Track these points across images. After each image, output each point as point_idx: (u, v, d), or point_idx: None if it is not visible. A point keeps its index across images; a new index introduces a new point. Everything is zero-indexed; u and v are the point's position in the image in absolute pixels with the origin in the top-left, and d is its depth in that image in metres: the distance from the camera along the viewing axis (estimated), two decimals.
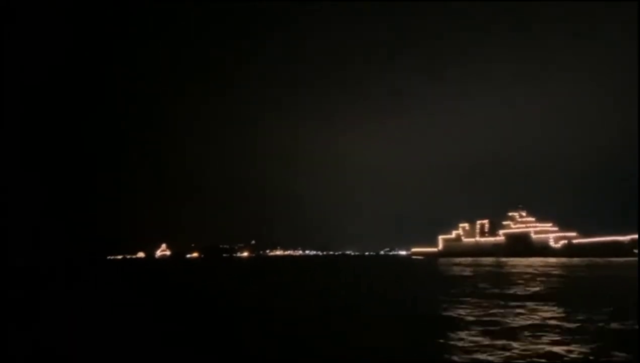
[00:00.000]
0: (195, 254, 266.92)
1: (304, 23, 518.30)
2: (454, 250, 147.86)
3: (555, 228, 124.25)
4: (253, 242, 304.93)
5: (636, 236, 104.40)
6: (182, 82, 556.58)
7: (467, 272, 51.25)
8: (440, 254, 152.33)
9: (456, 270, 56.77)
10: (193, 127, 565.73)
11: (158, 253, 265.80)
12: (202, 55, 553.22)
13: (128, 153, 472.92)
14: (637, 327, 14.24)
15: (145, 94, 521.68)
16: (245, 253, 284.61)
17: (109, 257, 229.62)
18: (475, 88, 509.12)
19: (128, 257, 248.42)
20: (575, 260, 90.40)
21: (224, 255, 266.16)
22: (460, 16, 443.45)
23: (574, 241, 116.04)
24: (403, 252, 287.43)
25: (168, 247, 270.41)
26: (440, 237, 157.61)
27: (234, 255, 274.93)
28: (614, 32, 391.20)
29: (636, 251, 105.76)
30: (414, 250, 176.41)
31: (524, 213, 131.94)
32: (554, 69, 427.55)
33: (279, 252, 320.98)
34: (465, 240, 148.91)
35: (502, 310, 17.94)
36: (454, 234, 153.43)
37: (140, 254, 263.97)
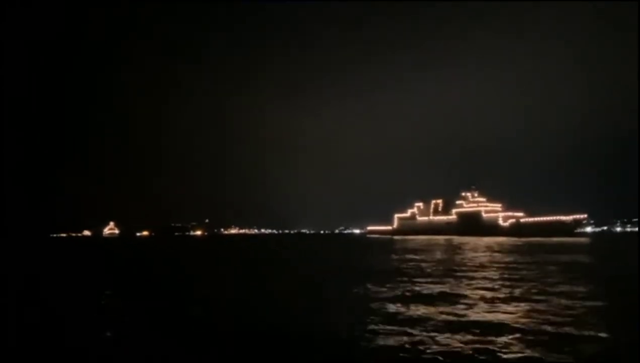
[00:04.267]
0: (145, 233, 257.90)
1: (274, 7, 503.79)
2: (409, 228, 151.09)
3: (504, 208, 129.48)
4: (207, 220, 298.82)
5: (579, 216, 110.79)
6: (149, 58, 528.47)
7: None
8: (395, 232, 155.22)
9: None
10: (149, 104, 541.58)
11: (106, 231, 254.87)
12: (173, 33, 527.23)
13: (78, 130, 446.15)
14: None
15: (109, 68, 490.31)
16: (199, 232, 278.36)
17: (51, 235, 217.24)
18: (434, 69, 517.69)
19: (73, 235, 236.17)
20: (522, 239, 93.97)
21: (177, 234, 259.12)
22: None
23: (522, 220, 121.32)
24: (357, 231, 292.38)
25: (116, 225, 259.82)
26: (396, 216, 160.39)
27: (187, 234, 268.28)
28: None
29: (578, 230, 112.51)
30: (370, 228, 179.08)
31: (476, 194, 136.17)
32: (521, 55, 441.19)
33: (234, 231, 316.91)
34: (419, 218, 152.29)
35: None
36: (409, 213, 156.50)
37: (86, 232, 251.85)
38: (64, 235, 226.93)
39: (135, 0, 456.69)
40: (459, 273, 23.13)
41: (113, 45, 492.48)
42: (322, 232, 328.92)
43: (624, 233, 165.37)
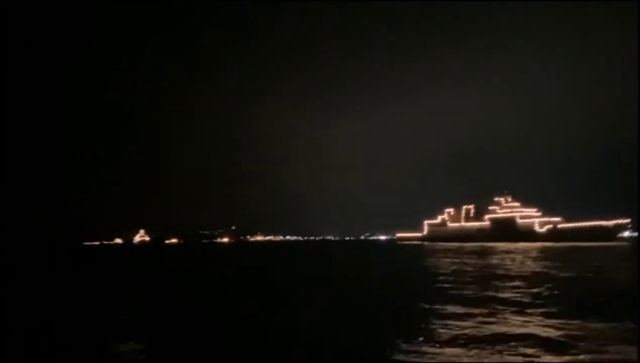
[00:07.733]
0: (174, 240, 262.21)
1: (289, 13, 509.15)
2: (439, 234, 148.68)
3: (540, 213, 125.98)
4: (233, 227, 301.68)
5: (620, 221, 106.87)
6: (165, 66, 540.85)
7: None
8: (425, 239, 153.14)
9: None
10: (174, 113, 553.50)
11: (136, 239, 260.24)
12: (188, 41, 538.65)
13: (105, 138, 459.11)
14: None
15: (126, 79, 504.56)
16: (226, 239, 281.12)
17: (85, 244, 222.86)
18: (459, 75, 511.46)
19: (105, 243, 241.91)
20: (560, 244, 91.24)
21: (204, 240, 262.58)
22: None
23: (559, 226, 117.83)
24: (383, 237, 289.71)
25: (147, 233, 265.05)
26: (426, 222, 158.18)
27: (215, 240, 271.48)
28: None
29: (620, 236, 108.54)
30: (399, 235, 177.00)
31: (509, 199, 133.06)
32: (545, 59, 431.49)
33: (259, 238, 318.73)
34: (450, 225, 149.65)
35: None
36: (439, 219, 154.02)
37: (118, 240, 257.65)
38: (97, 243, 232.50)
39: (141, 4, 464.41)
40: None
41: (128, 49, 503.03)
42: (347, 238, 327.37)
43: None
